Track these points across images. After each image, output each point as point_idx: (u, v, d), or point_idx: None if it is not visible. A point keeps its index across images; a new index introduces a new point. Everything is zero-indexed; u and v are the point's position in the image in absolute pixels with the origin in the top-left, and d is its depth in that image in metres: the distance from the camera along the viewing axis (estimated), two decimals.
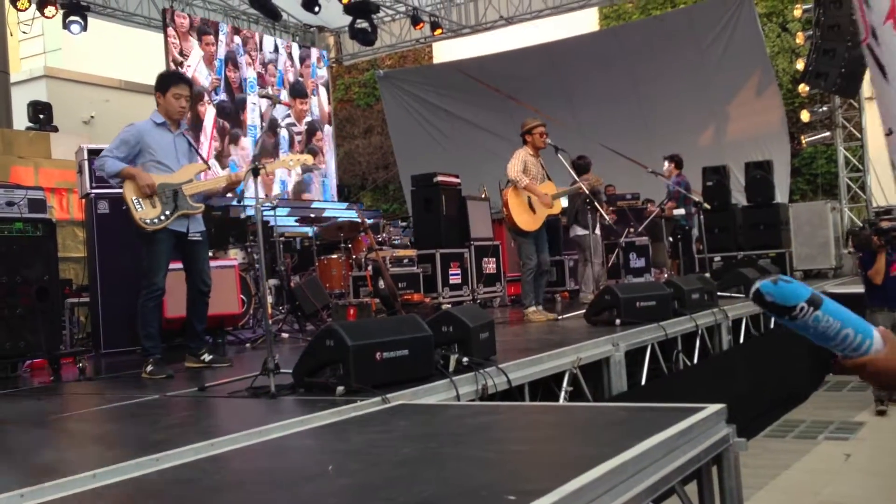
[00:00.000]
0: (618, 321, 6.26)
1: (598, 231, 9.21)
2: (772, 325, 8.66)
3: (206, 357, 5.45)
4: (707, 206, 10.19)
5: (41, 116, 12.98)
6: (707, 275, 9.00)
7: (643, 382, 5.81)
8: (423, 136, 17.84)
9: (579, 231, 9.70)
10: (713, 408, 2.83)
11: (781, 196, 13.75)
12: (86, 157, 7.09)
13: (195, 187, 5.34)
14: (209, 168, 6.12)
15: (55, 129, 12.90)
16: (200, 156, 5.67)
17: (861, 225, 8.82)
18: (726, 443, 2.76)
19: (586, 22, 17.39)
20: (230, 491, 2.31)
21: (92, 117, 18.46)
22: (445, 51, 18.96)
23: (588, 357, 5.09)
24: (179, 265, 6.54)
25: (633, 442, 2.36)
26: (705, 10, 15.33)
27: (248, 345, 7.20)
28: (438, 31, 15.99)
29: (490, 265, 10.16)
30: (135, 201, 5.11)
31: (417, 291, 8.97)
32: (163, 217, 5.16)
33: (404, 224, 12.23)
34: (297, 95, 16.74)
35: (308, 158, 5.66)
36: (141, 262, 5.29)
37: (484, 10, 16.70)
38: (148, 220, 5.12)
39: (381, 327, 4.12)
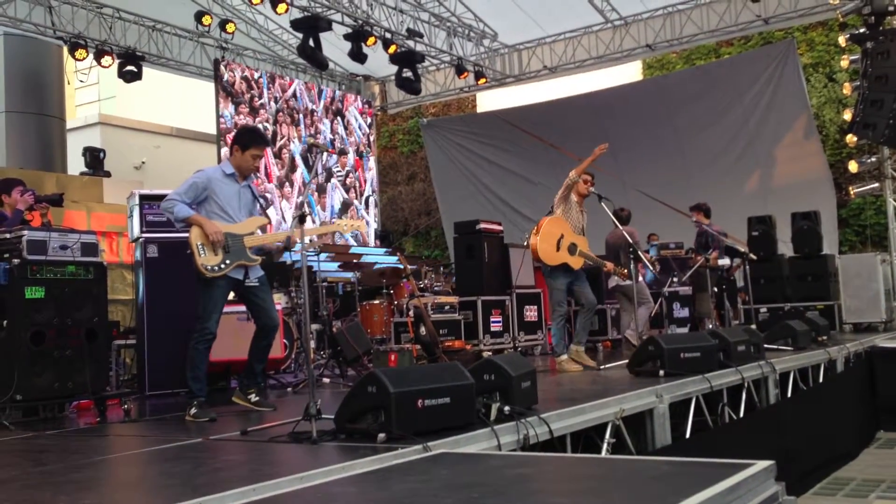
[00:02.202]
0: (661, 372, 6.17)
1: (640, 279, 9.12)
2: (820, 380, 8.46)
3: (253, 398, 5.50)
4: (753, 257, 10.08)
5: (97, 162, 13.34)
6: (753, 326, 8.86)
7: (687, 435, 5.70)
8: (465, 184, 17.95)
9: (621, 281, 9.64)
10: (762, 464, 2.77)
11: (829, 247, 13.52)
12: (137, 201, 7.26)
13: (255, 240, 5.52)
14: (270, 222, 6.29)
15: (108, 175, 13.26)
16: (263, 209, 5.82)
17: None
18: (775, 501, 2.69)
19: (630, 72, 17.47)
20: None
21: (143, 163, 18.95)
22: (489, 100, 19.15)
23: (631, 408, 5.02)
24: (228, 309, 6.68)
25: (679, 499, 2.32)
26: (750, 60, 15.32)
27: (289, 389, 7.23)
28: (482, 81, 16.17)
29: (531, 313, 10.11)
30: (199, 247, 5.27)
31: (458, 338, 8.96)
32: (223, 266, 5.32)
33: (445, 270, 12.26)
34: (343, 153, 17.67)
35: (362, 225, 5.79)
36: (195, 305, 5.40)
37: (528, 60, 16.88)
38: (209, 267, 5.27)
39: (422, 374, 4.11)
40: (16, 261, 5.32)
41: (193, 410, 5.12)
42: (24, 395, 5.20)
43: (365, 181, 18.02)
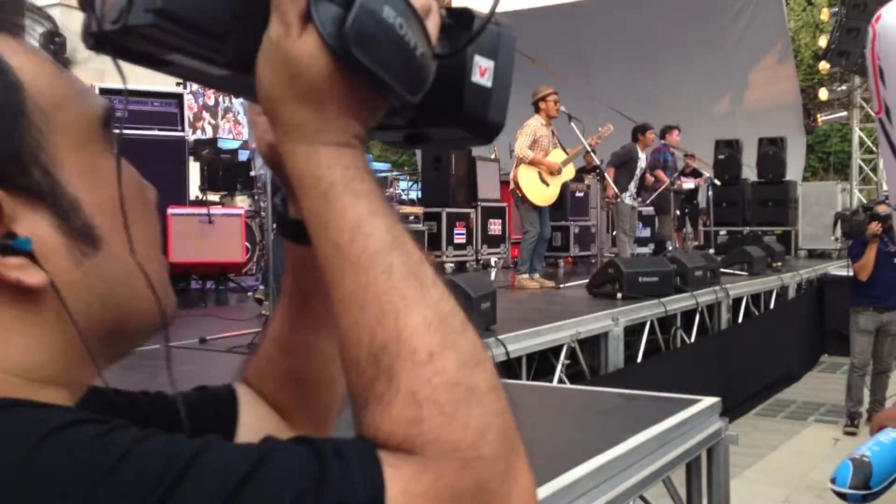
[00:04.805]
0: (619, 295, 6.28)
1: (628, 200, 8.84)
2: (772, 305, 8.69)
3: None
4: (717, 182, 10.17)
5: (52, 48, 12.84)
6: (711, 251, 9.00)
7: (639, 359, 5.85)
8: None
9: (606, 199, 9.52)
10: (708, 401, 2.87)
11: (795, 173, 13.64)
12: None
13: None
14: None
15: (68, 62, 12.83)
16: None
17: (853, 209, 7.73)
18: (718, 436, 2.80)
19: None
20: None
21: None
22: (462, 6, 18.67)
23: (587, 331, 5.13)
24: (189, 210, 6.67)
25: (627, 434, 2.40)
26: None
27: (249, 294, 7.23)
28: None
29: (495, 227, 10.15)
30: None
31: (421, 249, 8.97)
32: None
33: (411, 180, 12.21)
34: None
35: None
36: None
37: None
38: None
39: None
40: None
41: None
42: None
43: None
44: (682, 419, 2.65)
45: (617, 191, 8.44)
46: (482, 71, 0.62)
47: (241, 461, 0.48)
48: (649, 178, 8.97)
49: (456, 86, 0.61)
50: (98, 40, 0.56)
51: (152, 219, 0.65)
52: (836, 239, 10.81)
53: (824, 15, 13.17)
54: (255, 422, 0.74)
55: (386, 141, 0.67)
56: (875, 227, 6.47)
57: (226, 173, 9.48)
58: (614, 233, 10.82)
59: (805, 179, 14.77)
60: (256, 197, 8.88)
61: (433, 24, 0.58)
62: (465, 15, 0.62)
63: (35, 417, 0.49)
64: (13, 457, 0.46)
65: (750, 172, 12.92)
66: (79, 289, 0.56)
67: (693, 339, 6.78)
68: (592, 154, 8.13)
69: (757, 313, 8.35)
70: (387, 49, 0.53)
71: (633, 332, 5.97)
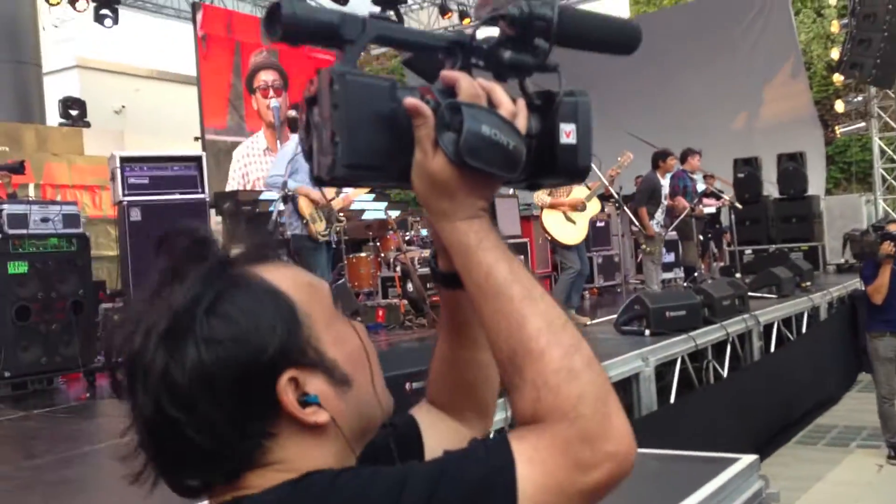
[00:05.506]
0: (647, 332, 6.21)
1: (655, 228, 8.75)
2: (804, 328, 8.56)
3: None
4: (739, 206, 10.09)
5: (72, 112, 13.09)
6: (738, 275, 8.89)
7: (672, 398, 5.77)
8: None
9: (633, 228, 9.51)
10: (746, 459, 2.82)
11: (817, 186, 13.50)
12: (118, 164, 7.12)
13: (340, 203, 6.12)
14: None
15: (87, 125, 13.04)
16: None
17: (864, 229, 7.44)
18: (759, 497, 2.75)
19: (617, 9, 17.18)
20: None
21: (123, 107, 18.58)
22: None
23: (617, 374, 5.07)
24: None
25: None
26: None
27: None
28: (467, 21, 15.87)
29: None
30: (311, 215, 5.90)
31: None
32: (327, 230, 6.01)
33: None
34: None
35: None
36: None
37: None
38: (321, 233, 5.96)
39: (411, 354, 4.12)
40: None
41: None
42: (12, 371, 5.19)
43: None
44: (722, 483, 2.60)
45: (655, 230, 8.46)
46: (567, 133, 0.89)
47: (433, 469, 0.77)
48: (670, 203, 8.92)
49: (551, 149, 0.88)
50: (320, 182, 0.84)
51: (373, 348, 0.92)
52: (846, 261, 10.51)
53: (835, 27, 13.11)
54: (435, 443, 1.00)
55: (515, 188, 0.97)
56: (888, 247, 6.22)
57: (248, 226, 9.54)
58: (639, 259, 10.78)
59: (828, 191, 14.63)
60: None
61: (522, 120, 0.85)
62: (549, 96, 0.90)
63: (327, 473, 0.79)
64: (323, 487, 0.77)
65: (771, 189, 12.82)
66: (345, 415, 0.84)
67: (726, 371, 6.67)
68: (609, 187, 8.10)
69: (790, 337, 8.22)
70: (489, 152, 0.80)
71: (664, 365, 5.90)
